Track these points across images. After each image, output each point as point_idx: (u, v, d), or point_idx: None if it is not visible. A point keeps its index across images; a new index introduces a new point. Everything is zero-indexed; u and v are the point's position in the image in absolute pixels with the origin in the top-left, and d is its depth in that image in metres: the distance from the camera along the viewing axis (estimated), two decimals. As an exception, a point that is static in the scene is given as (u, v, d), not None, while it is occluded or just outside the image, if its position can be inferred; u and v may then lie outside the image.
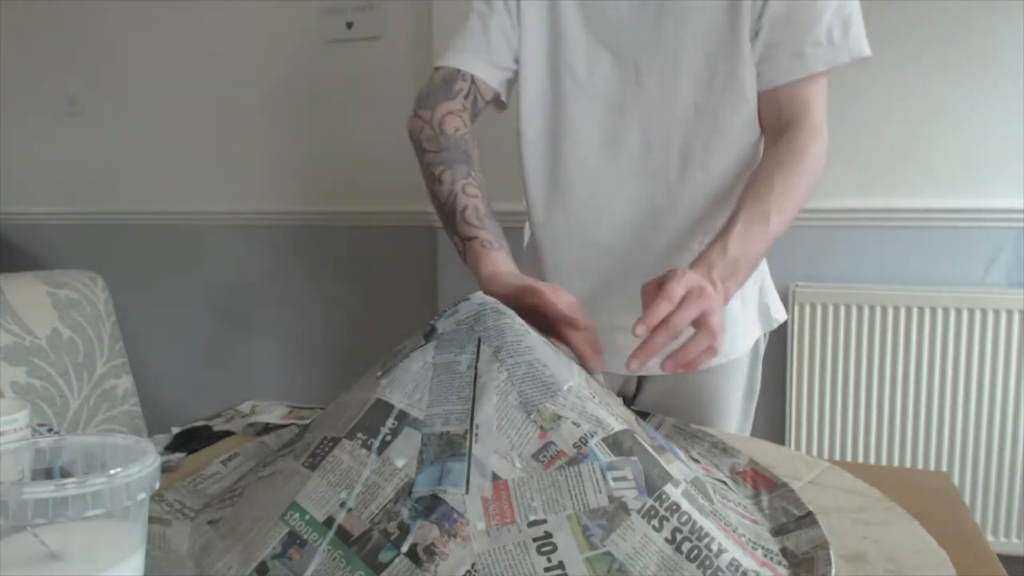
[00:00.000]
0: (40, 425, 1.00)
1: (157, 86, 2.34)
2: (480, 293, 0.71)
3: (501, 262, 0.87)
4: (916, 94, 1.73)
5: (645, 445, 0.59)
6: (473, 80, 1.03)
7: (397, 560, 0.52)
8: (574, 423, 0.58)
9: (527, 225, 1.14)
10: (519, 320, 0.67)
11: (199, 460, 0.83)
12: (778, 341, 1.86)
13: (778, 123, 0.96)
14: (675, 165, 0.99)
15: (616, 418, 0.61)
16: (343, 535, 0.54)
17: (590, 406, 0.60)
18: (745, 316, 1.07)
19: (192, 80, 2.30)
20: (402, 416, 0.60)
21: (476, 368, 0.62)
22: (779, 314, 1.11)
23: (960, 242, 1.74)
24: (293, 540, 0.55)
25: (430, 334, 0.67)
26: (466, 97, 1.03)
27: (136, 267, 2.39)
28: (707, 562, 0.52)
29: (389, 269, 2.17)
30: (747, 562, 0.54)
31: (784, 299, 1.81)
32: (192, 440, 0.94)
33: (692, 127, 0.98)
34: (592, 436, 0.57)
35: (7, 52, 2.47)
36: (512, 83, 1.07)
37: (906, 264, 1.78)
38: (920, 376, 1.73)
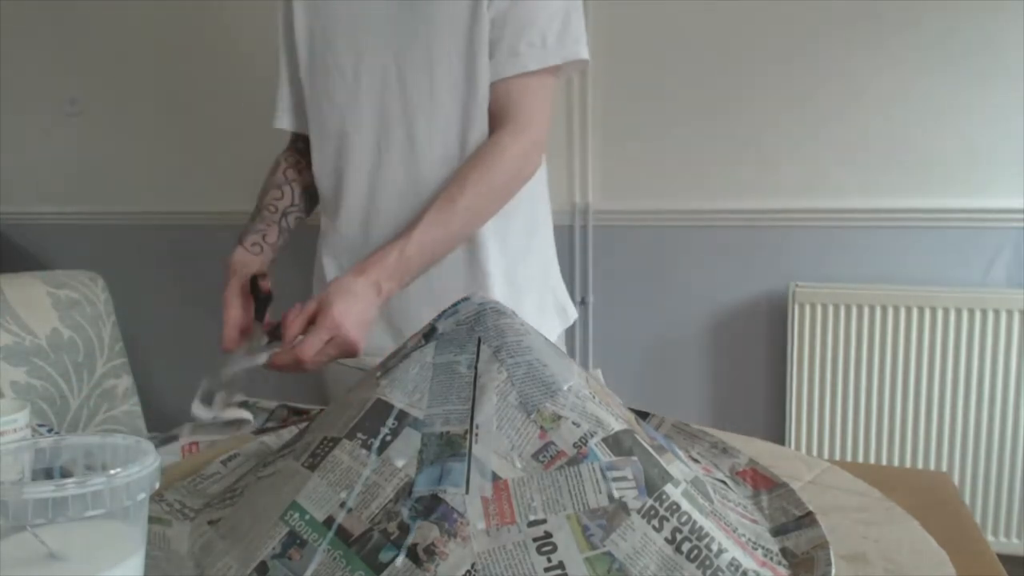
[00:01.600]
0: (40, 425, 1.00)
1: (157, 86, 2.33)
2: (480, 293, 0.71)
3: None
4: (916, 94, 1.73)
5: (645, 445, 0.59)
6: (292, 132, 1.16)
7: (397, 560, 0.52)
8: (574, 423, 0.58)
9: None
10: (519, 320, 0.67)
11: (199, 460, 0.83)
12: (778, 341, 1.86)
13: (497, 118, 1.00)
14: (438, 162, 1.02)
15: (616, 418, 0.61)
16: (343, 535, 0.54)
17: (590, 406, 0.60)
18: (543, 316, 1.11)
19: (192, 80, 2.29)
20: (402, 416, 0.60)
21: (476, 368, 0.62)
22: (572, 312, 1.17)
23: (960, 242, 1.74)
24: (293, 540, 0.55)
25: (430, 334, 0.67)
26: (293, 144, 1.18)
27: (136, 267, 2.39)
28: (707, 562, 0.52)
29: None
30: (747, 562, 0.54)
31: (784, 299, 1.82)
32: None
33: (454, 127, 1.01)
34: (592, 436, 0.57)
35: (7, 52, 2.47)
36: None
37: (906, 264, 1.77)
38: (920, 376, 1.72)
